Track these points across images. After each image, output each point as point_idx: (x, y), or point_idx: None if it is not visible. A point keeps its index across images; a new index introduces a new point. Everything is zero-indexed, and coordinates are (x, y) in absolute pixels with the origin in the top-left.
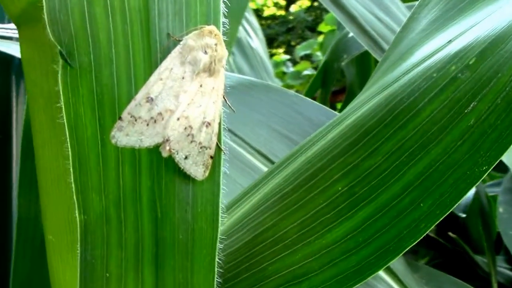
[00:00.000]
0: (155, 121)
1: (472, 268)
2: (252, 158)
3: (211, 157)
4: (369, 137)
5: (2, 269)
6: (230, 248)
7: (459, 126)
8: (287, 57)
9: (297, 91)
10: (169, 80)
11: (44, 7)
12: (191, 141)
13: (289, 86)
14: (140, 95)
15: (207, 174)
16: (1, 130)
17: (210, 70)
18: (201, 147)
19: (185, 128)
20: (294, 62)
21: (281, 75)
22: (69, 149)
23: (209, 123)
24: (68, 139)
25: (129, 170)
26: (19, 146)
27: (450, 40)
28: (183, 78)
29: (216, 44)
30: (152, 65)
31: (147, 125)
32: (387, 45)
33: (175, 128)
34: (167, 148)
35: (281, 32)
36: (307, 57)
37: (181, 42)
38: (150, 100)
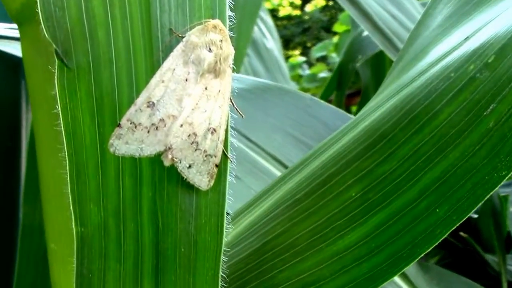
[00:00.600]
0: (156, 128)
1: (482, 267)
2: (266, 163)
3: (217, 166)
4: (384, 142)
5: (5, 276)
6: (239, 255)
7: (477, 130)
8: (303, 59)
9: (313, 95)
10: (172, 83)
11: (38, 1)
12: (195, 149)
13: (305, 90)
14: (141, 100)
15: (212, 183)
16: (10, 137)
17: (215, 71)
18: (206, 156)
19: (189, 135)
20: (310, 64)
21: (298, 78)
22: (67, 158)
23: (214, 130)
24: (65, 147)
25: (129, 180)
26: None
27: (467, 37)
28: (186, 80)
29: (221, 41)
30: (154, 65)
31: (148, 132)
32: (401, 43)
33: (178, 136)
34: (170, 156)
35: (297, 33)
36: (323, 59)
37: (183, 39)
38: (151, 105)
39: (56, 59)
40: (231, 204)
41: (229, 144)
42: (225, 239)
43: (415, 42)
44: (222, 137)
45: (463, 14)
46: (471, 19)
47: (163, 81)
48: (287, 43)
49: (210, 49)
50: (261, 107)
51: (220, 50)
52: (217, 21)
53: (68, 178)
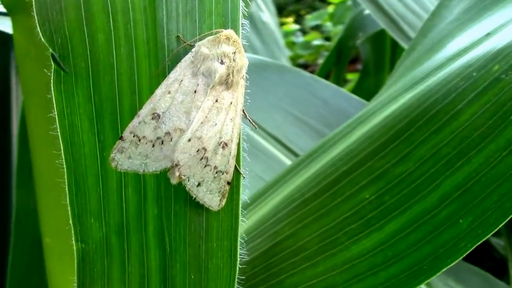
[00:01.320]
0: (162, 142)
1: (487, 250)
2: (266, 143)
3: (229, 183)
4: (400, 141)
5: None
6: (245, 257)
7: (504, 134)
8: (297, 27)
9: (306, 61)
10: (179, 94)
11: (34, 3)
12: (205, 165)
13: (299, 56)
14: (145, 111)
15: (223, 203)
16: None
17: (227, 83)
18: (216, 172)
19: (198, 150)
20: (304, 32)
21: (291, 45)
22: (65, 167)
23: (226, 144)
24: (63, 155)
25: (133, 193)
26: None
27: (488, 33)
28: (195, 91)
29: (234, 53)
30: (159, 73)
31: (153, 146)
32: (406, 25)
33: (186, 151)
34: (177, 174)
35: (290, 2)
36: (317, 28)
37: (193, 49)
38: (156, 116)
39: (52, 63)
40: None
41: (241, 159)
42: (239, 266)
43: (429, 32)
44: (234, 151)
45: (482, 9)
46: (491, 14)
47: (169, 92)
48: (280, 11)
49: (222, 61)
50: (260, 85)
51: (233, 62)
52: (230, 32)
53: (67, 188)
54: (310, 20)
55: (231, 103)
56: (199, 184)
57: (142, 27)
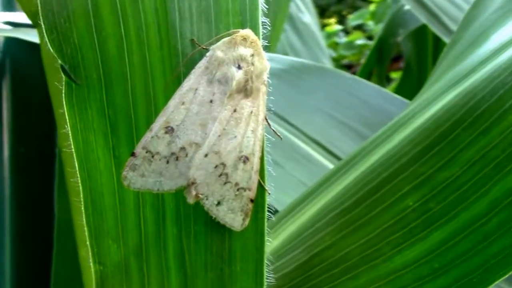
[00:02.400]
0: (177, 158)
1: None
2: (307, 147)
3: (252, 201)
4: (444, 144)
5: (43, 273)
6: (284, 269)
7: None
8: (340, 27)
9: (350, 62)
10: (194, 105)
11: (40, 11)
12: (225, 182)
13: (342, 57)
14: (158, 125)
15: (247, 222)
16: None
17: (246, 90)
18: (238, 189)
19: (216, 166)
20: (346, 32)
21: (334, 46)
22: (80, 185)
23: (247, 158)
24: (78, 172)
25: (151, 212)
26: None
27: None
28: (211, 101)
29: (252, 55)
30: (174, 81)
31: (167, 162)
32: (447, 18)
33: (202, 167)
34: (193, 192)
35: (332, 2)
36: (359, 27)
37: (207, 54)
38: (170, 130)
39: (62, 75)
40: (271, 195)
41: (266, 173)
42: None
43: (471, 24)
44: (256, 166)
45: None
46: None
47: (183, 103)
48: (322, 12)
49: (239, 65)
50: (299, 88)
51: (251, 66)
52: (247, 32)
53: (83, 208)
54: (352, 20)
55: (251, 112)
56: (219, 203)
57: (154, 30)
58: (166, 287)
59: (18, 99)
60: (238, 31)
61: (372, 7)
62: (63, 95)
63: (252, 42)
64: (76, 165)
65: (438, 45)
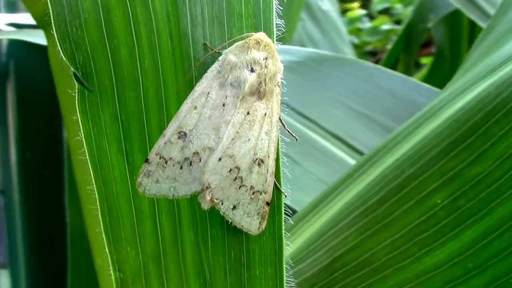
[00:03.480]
0: (190, 163)
1: None
2: (327, 143)
3: (268, 204)
4: (476, 136)
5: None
6: (305, 273)
7: None
8: (363, 12)
9: (375, 48)
10: (206, 109)
11: (52, 20)
12: (240, 186)
13: (366, 43)
14: (170, 130)
15: (264, 226)
16: None
17: (259, 92)
18: (253, 193)
19: (230, 170)
20: (371, 17)
21: (356, 32)
22: (96, 192)
23: (262, 161)
24: (93, 180)
25: (167, 218)
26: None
27: None
28: (223, 105)
29: (266, 58)
30: (186, 86)
31: (181, 168)
32: (485, 2)
33: (216, 171)
34: (208, 197)
35: None
36: (386, 11)
37: (219, 58)
38: (183, 135)
39: (75, 82)
40: (289, 193)
41: (281, 175)
42: None
43: (509, 10)
44: (272, 168)
45: None
46: None
47: (195, 108)
48: None
49: (252, 69)
50: (317, 80)
51: (264, 69)
52: (260, 35)
53: (100, 215)
54: (378, 3)
55: (265, 114)
56: (234, 207)
57: (166, 36)
58: None
59: (23, 102)
60: (252, 35)
61: None
62: (76, 102)
63: (265, 45)
64: (91, 172)
65: (474, 30)
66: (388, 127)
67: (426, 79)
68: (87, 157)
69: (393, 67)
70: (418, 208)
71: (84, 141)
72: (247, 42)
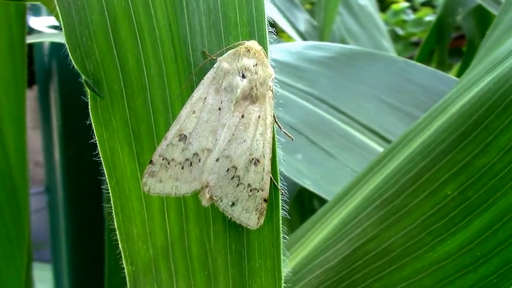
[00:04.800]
0: (191, 164)
1: None
2: (362, 136)
3: (265, 200)
4: (479, 130)
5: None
6: (329, 262)
7: None
8: (406, 4)
9: (419, 39)
10: (204, 113)
11: (64, 32)
12: (238, 184)
13: (411, 34)
14: (172, 133)
15: (262, 221)
16: None
17: (251, 97)
18: (251, 190)
19: (228, 169)
20: (414, 10)
21: (401, 24)
22: (110, 191)
23: (258, 160)
24: (107, 180)
25: (175, 215)
26: None
27: None
28: (219, 109)
29: (256, 65)
30: (188, 89)
31: (182, 168)
32: None
33: (215, 171)
34: (207, 195)
35: None
36: (428, 3)
37: (214, 65)
38: (183, 138)
39: (87, 89)
40: (324, 187)
41: (278, 173)
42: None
43: (511, 9)
44: (268, 167)
45: None
46: None
47: (194, 112)
48: None
49: (243, 75)
50: (350, 75)
51: (255, 75)
52: (251, 43)
53: (114, 213)
54: None
55: (259, 117)
56: (233, 204)
57: (169, 44)
58: (193, 284)
59: (66, 101)
60: (243, 43)
61: None
62: (89, 108)
63: (255, 53)
64: (105, 173)
65: None
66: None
67: (460, 70)
68: (101, 158)
69: (428, 59)
70: (431, 200)
71: (98, 144)
72: (238, 50)
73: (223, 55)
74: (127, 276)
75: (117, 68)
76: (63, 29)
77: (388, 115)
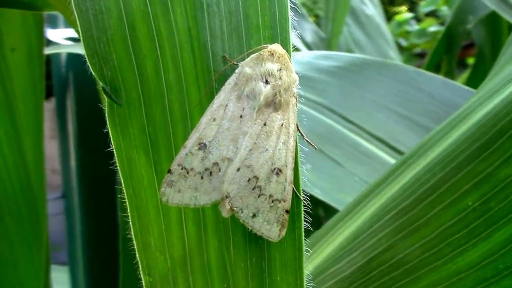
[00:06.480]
0: (210, 173)
1: None
2: (370, 145)
3: (287, 212)
4: (504, 140)
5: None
6: (342, 272)
7: None
8: (410, 15)
9: (423, 50)
10: (225, 121)
11: (81, 38)
12: (259, 195)
13: (414, 46)
14: (191, 141)
15: (284, 233)
16: None
17: (275, 104)
18: (272, 201)
19: (249, 179)
20: (418, 20)
21: (405, 34)
22: (127, 201)
23: (280, 170)
24: (124, 189)
25: (193, 226)
26: None
27: None
28: (241, 116)
29: (280, 70)
30: (208, 96)
31: (202, 178)
32: None
33: (235, 181)
34: (228, 206)
35: None
36: (432, 13)
37: (236, 70)
38: (203, 146)
39: (105, 97)
40: (333, 195)
41: (300, 183)
42: None
43: None
44: (290, 177)
45: None
46: None
47: (214, 119)
48: (392, 1)
49: (266, 81)
50: (359, 84)
51: (279, 80)
52: (275, 47)
53: (130, 223)
54: (424, 6)
55: (282, 125)
56: (254, 215)
57: (188, 50)
58: None
59: (82, 111)
60: (266, 46)
61: None
62: (107, 115)
63: (279, 57)
64: (122, 182)
65: None
66: (429, 128)
67: (469, 80)
68: (118, 168)
69: (437, 68)
70: (450, 210)
71: (115, 153)
72: (261, 54)
73: (246, 60)
74: (144, 287)
75: (135, 74)
76: (80, 35)
77: (397, 124)
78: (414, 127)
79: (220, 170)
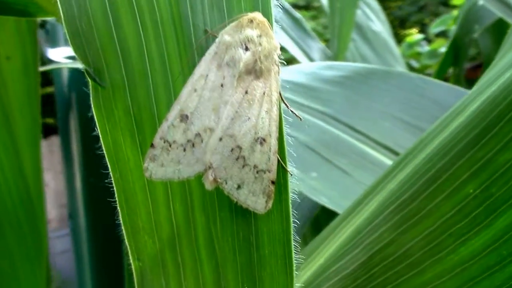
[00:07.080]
0: (193, 145)
1: None
2: (377, 154)
3: (273, 183)
4: (502, 124)
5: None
6: (344, 270)
7: None
8: (421, 36)
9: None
10: (206, 91)
11: (62, 17)
12: (243, 165)
13: (426, 66)
14: (173, 114)
15: (270, 205)
16: None
17: (256, 71)
18: (257, 172)
19: (232, 149)
20: (429, 41)
21: (416, 56)
22: (114, 185)
23: (263, 140)
24: (111, 173)
25: (180, 204)
26: None
27: None
28: (222, 85)
29: (260, 36)
30: (190, 69)
31: (184, 150)
32: None
33: (218, 151)
34: (211, 177)
35: (412, 12)
36: (442, 34)
37: (216, 39)
38: (184, 118)
39: (88, 79)
40: (340, 203)
41: (286, 153)
42: (296, 273)
43: None
44: (274, 147)
45: None
46: None
47: (195, 90)
48: (403, 23)
49: (246, 47)
50: (364, 93)
51: (259, 47)
52: (255, 14)
53: (118, 207)
54: (434, 27)
55: (264, 93)
56: (239, 187)
57: (169, 25)
58: (200, 276)
59: (85, 131)
60: (246, 15)
61: (455, 12)
62: (91, 98)
63: (259, 23)
64: (109, 166)
65: None
66: None
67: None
68: (104, 151)
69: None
70: (451, 200)
71: (100, 136)
72: (240, 22)
73: (225, 28)
74: (134, 273)
75: (117, 54)
76: (62, 17)
77: (403, 132)
78: (420, 134)
79: (202, 141)
